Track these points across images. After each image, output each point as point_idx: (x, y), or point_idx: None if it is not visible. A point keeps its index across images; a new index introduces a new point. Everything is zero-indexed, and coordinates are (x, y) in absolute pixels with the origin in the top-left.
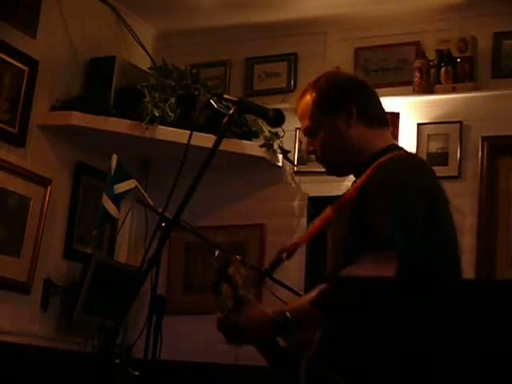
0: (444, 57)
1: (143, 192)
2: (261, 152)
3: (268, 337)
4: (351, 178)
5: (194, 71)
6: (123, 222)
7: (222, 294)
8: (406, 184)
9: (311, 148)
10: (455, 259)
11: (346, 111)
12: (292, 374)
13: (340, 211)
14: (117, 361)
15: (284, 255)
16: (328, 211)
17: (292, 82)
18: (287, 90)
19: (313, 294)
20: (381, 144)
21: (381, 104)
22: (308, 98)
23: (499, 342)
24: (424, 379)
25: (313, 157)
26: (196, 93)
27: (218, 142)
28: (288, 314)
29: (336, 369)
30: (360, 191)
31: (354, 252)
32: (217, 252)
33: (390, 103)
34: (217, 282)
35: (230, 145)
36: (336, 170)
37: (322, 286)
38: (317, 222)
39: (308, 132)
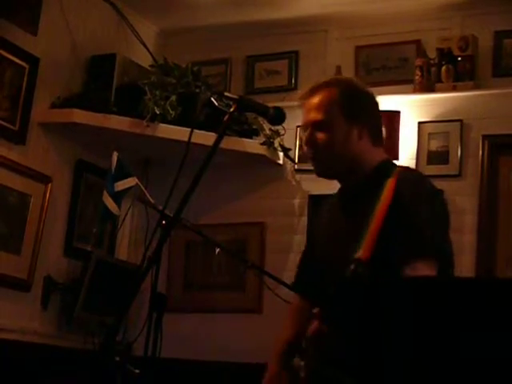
0: (445, 55)
1: (144, 190)
2: (261, 150)
3: None
4: None
5: (194, 69)
6: (124, 220)
7: (294, 367)
8: (440, 194)
9: (312, 142)
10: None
11: (362, 123)
12: None
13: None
14: (117, 358)
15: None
16: (371, 231)
17: (293, 80)
18: (288, 88)
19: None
20: (378, 158)
21: (382, 126)
22: (328, 93)
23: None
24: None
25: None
26: (197, 91)
27: (218, 140)
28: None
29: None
30: (394, 202)
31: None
32: (217, 250)
33: (390, 101)
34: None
35: (231, 143)
36: (328, 172)
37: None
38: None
39: (317, 125)
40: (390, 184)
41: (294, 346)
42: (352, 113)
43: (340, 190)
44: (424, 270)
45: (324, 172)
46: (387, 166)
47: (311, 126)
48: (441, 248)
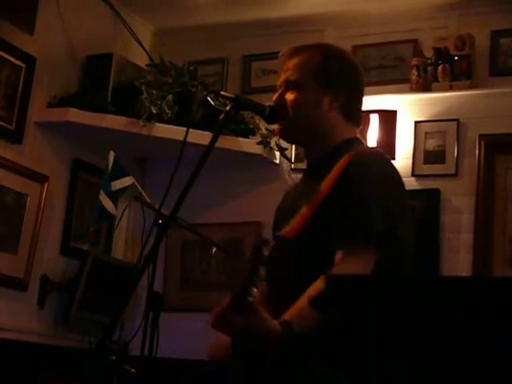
0: (441, 55)
1: (140, 189)
2: (258, 149)
3: (266, 349)
4: None
5: (191, 68)
6: (120, 219)
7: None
8: (396, 181)
9: (281, 101)
10: (410, 259)
11: (336, 94)
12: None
13: (316, 207)
14: (113, 358)
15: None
16: (304, 211)
17: None
18: None
19: (310, 292)
20: (346, 136)
21: (362, 104)
22: (309, 55)
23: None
24: (428, 377)
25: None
26: (193, 90)
27: (214, 139)
28: (295, 329)
29: (339, 368)
30: (338, 182)
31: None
32: (214, 249)
33: (387, 101)
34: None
35: (227, 142)
36: (290, 134)
37: (317, 285)
38: (298, 220)
39: (289, 85)
40: (340, 163)
41: None
42: (326, 80)
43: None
44: (356, 259)
45: (287, 134)
46: (351, 143)
47: (283, 85)
48: (382, 239)
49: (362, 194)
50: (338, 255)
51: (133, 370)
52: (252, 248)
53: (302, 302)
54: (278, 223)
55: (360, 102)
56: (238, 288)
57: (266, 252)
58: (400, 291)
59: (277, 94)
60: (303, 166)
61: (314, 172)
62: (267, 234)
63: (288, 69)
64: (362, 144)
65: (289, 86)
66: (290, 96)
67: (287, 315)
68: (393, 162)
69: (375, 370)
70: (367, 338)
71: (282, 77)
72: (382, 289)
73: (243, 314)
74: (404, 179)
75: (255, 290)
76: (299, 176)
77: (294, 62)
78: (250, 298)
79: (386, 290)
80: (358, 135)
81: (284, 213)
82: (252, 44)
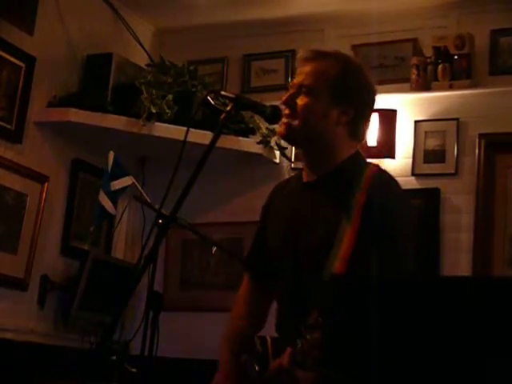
0: (441, 54)
1: (140, 189)
2: (258, 149)
3: None
4: None
5: (191, 68)
6: (120, 219)
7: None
8: (409, 202)
9: (292, 102)
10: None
11: (345, 109)
12: None
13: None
14: (113, 357)
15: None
16: (350, 232)
17: (289, 79)
18: (284, 87)
19: None
20: (350, 151)
21: (370, 121)
22: (328, 64)
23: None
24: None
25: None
26: (193, 89)
27: (215, 139)
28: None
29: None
30: (369, 209)
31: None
32: (214, 249)
33: (387, 100)
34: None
35: (228, 141)
36: (294, 136)
37: None
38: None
39: (302, 89)
40: (363, 184)
41: (246, 342)
42: (339, 93)
43: (301, 175)
44: None
45: (290, 135)
46: (359, 160)
47: (296, 88)
48: (409, 261)
49: (394, 221)
50: None
51: (133, 370)
52: None
53: None
54: (283, 233)
55: (368, 120)
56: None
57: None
58: (401, 291)
59: (288, 95)
60: (303, 165)
61: (321, 190)
62: None
63: (303, 72)
64: (365, 158)
65: (302, 90)
66: (301, 100)
67: None
68: (393, 161)
69: (376, 369)
70: (369, 338)
71: (297, 79)
72: (383, 289)
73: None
74: (404, 178)
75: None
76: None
77: (311, 67)
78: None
79: (388, 291)
80: (359, 149)
81: (293, 232)
82: (252, 43)
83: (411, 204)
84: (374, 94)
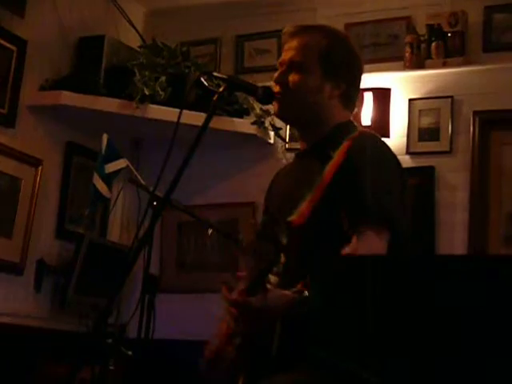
0: (435, 31)
1: (134, 171)
2: (252, 129)
3: (288, 317)
4: None
5: (184, 49)
6: (115, 202)
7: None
8: (395, 163)
9: (284, 80)
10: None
11: (337, 83)
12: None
13: (322, 193)
14: (109, 341)
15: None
16: (310, 197)
17: None
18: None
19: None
20: (341, 119)
21: (359, 92)
22: (315, 38)
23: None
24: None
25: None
26: (186, 71)
27: (207, 120)
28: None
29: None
30: (342, 167)
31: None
32: (210, 231)
33: (381, 79)
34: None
35: (222, 122)
36: (288, 115)
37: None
38: (305, 206)
39: (293, 66)
40: (343, 147)
41: None
42: (330, 67)
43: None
44: (373, 238)
45: (285, 114)
46: (346, 127)
47: (286, 65)
48: (392, 218)
49: (368, 178)
50: (354, 239)
51: (129, 353)
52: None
53: None
54: (279, 210)
55: (358, 90)
56: (254, 274)
57: (284, 241)
58: (398, 270)
59: (278, 72)
60: (298, 145)
61: (311, 156)
62: (259, 214)
63: (291, 48)
64: (356, 126)
65: (292, 66)
66: (293, 77)
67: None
68: (387, 139)
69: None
70: (365, 317)
71: (285, 55)
72: (380, 268)
73: (261, 295)
74: (399, 157)
75: (272, 277)
76: (293, 156)
77: (298, 41)
78: (268, 285)
79: (385, 270)
80: (351, 118)
81: (283, 199)
82: (244, 24)
83: (394, 162)
84: (362, 65)
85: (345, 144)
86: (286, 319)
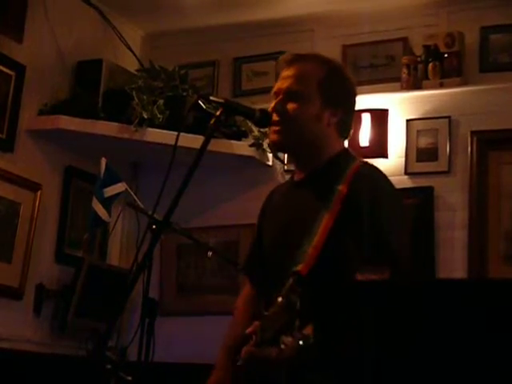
0: (431, 52)
1: (133, 195)
2: (250, 151)
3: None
4: None
5: (181, 72)
6: (114, 225)
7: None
8: (400, 198)
9: (282, 109)
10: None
11: (335, 111)
12: None
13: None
14: (108, 366)
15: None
16: (326, 220)
17: None
18: None
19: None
20: (338, 148)
21: (353, 120)
22: (313, 67)
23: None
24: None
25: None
26: (184, 94)
27: (205, 144)
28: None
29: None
30: (349, 203)
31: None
32: (209, 253)
33: (378, 100)
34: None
35: (220, 145)
36: (286, 144)
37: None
38: (311, 251)
39: (291, 95)
40: (345, 180)
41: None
42: (329, 96)
43: (294, 176)
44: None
45: (282, 143)
46: (344, 157)
47: (284, 94)
48: (397, 255)
49: (375, 215)
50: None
51: (128, 378)
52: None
53: None
54: (277, 242)
55: (353, 119)
56: (266, 335)
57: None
58: (396, 295)
59: (276, 101)
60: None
61: (308, 187)
62: None
63: (288, 77)
64: (354, 156)
65: (291, 95)
66: (292, 106)
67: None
68: (385, 160)
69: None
70: (364, 342)
71: (282, 84)
72: (379, 293)
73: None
74: (397, 177)
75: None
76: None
77: (295, 70)
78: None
79: (383, 294)
80: (347, 146)
81: (281, 231)
82: (242, 46)
83: (400, 196)
84: (356, 94)
85: (347, 177)
86: (290, 368)
